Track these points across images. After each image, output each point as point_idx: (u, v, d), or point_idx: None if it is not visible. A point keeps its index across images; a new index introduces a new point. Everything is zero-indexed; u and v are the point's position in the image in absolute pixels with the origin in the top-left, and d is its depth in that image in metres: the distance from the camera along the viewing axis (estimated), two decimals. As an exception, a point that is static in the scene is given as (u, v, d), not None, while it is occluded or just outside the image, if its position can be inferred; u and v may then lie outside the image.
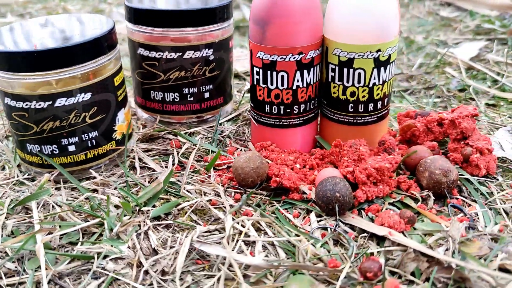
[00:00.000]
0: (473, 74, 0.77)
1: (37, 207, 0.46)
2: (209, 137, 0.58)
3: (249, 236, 0.42)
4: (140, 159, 0.54)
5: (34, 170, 0.51)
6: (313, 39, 0.48)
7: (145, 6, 0.53)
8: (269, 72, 0.49)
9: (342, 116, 0.51)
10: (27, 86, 0.45)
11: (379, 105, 0.50)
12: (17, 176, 0.52)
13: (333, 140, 0.51)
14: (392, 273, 0.38)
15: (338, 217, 0.43)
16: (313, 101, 0.52)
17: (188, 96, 0.57)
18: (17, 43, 0.48)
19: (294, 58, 0.48)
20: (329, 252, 0.40)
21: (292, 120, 0.51)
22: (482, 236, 0.42)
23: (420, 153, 0.49)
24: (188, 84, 0.56)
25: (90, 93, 0.48)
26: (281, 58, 0.48)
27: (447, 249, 0.39)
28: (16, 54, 0.44)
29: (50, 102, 0.46)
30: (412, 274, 0.38)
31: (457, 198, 0.46)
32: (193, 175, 0.51)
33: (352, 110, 0.50)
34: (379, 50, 0.47)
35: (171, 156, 0.53)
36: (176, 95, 0.57)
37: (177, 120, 0.59)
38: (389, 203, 0.46)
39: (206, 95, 0.58)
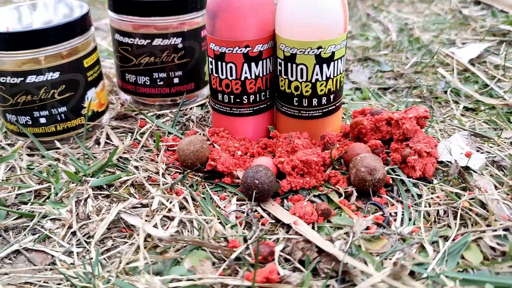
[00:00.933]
0: (465, 76, 0.75)
1: (6, 169, 0.53)
2: (177, 118, 0.62)
3: (171, 212, 0.46)
4: (108, 136, 0.59)
5: (15, 137, 0.58)
6: (260, 34, 0.50)
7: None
8: (219, 63, 0.52)
9: (289, 109, 0.53)
10: (1, 62, 0.52)
11: (323, 101, 0.52)
12: (0, 142, 0.59)
13: (284, 131, 0.54)
14: (286, 260, 0.40)
15: (253, 202, 0.45)
16: (263, 93, 0.54)
17: (158, 80, 0.61)
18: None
19: (241, 50, 0.50)
20: (236, 233, 0.43)
21: (242, 109, 0.54)
22: (392, 235, 0.43)
23: (356, 150, 0.50)
24: (157, 69, 0.60)
25: (59, 72, 0.53)
26: (229, 50, 0.51)
27: (346, 243, 0.41)
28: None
29: (22, 79, 0.52)
30: (303, 262, 0.40)
31: (381, 197, 0.47)
32: (146, 154, 0.55)
33: (297, 104, 0.52)
34: (320, 47, 0.48)
35: (129, 134, 0.58)
36: (147, 79, 0.61)
37: (151, 102, 0.64)
38: (314, 195, 0.48)
39: (176, 80, 0.62)
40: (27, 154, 0.56)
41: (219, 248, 0.40)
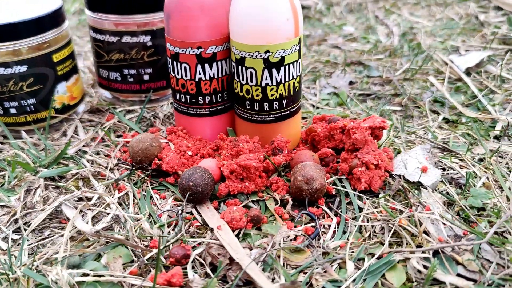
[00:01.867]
0: (456, 86, 0.71)
1: (-27, 155, 0.56)
2: (141, 115, 0.63)
3: (108, 207, 0.47)
4: (77, 128, 0.61)
5: (-9, 125, 0.61)
6: (213, 35, 0.50)
7: (92, -8, 0.59)
8: (175, 63, 0.52)
9: (243, 112, 0.53)
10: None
11: (275, 106, 0.51)
12: (-22, 128, 0.62)
13: (241, 134, 0.54)
14: (201, 264, 0.40)
15: (187, 203, 0.46)
16: (220, 94, 0.54)
17: (128, 76, 0.62)
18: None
19: (193, 51, 0.51)
20: (162, 232, 0.43)
21: (198, 110, 0.54)
22: (316, 248, 0.42)
23: (301, 157, 0.49)
24: (127, 66, 0.61)
25: (26, 66, 0.56)
26: (182, 51, 0.51)
27: (264, 253, 0.40)
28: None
29: (-9, 70, 0.55)
30: (215, 268, 0.39)
31: (319, 207, 0.46)
32: (103, 148, 0.56)
33: (249, 107, 0.52)
34: (268, 51, 0.48)
35: (92, 128, 0.59)
36: (118, 75, 0.62)
37: (124, 97, 0.65)
38: (252, 201, 0.47)
39: (146, 77, 0.63)
40: (0, 142, 0.59)
41: (137, 247, 0.41)
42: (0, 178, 0.53)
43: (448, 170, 0.52)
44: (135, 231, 0.43)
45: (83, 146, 0.57)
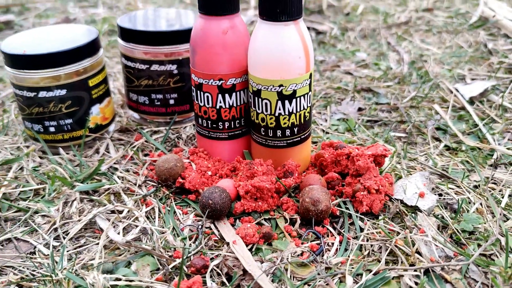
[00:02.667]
0: (459, 114, 0.76)
1: (17, 168, 0.63)
2: (166, 136, 0.69)
3: (137, 220, 0.53)
4: (108, 146, 0.68)
5: (31, 141, 0.68)
6: (233, 69, 0.56)
7: (126, 26, 0.66)
8: (198, 92, 0.58)
9: (258, 137, 0.58)
10: (19, 79, 0.61)
11: (287, 133, 0.56)
12: (20, 143, 0.69)
13: (256, 156, 0.60)
14: (218, 274, 0.46)
15: (207, 219, 0.51)
16: (238, 121, 0.60)
17: (156, 100, 0.69)
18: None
19: (215, 83, 0.57)
20: (184, 244, 0.49)
21: (218, 134, 0.60)
22: (319, 263, 0.47)
23: (310, 181, 0.54)
24: (155, 91, 0.68)
25: (66, 90, 0.62)
26: (205, 82, 0.57)
27: (273, 266, 0.45)
28: (10, 56, 0.60)
29: (35, 93, 0.62)
30: (230, 278, 0.45)
31: (323, 227, 0.51)
32: (133, 166, 0.63)
33: (263, 133, 0.57)
34: (281, 85, 0.53)
35: (122, 147, 0.66)
36: (146, 99, 0.69)
37: (151, 119, 0.72)
38: (265, 219, 0.53)
39: (171, 101, 0.69)
40: (40, 157, 0.66)
41: (163, 257, 0.47)
42: (40, 190, 0.59)
43: (444, 196, 0.56)
44: (161, 242, 0.49)
45: (114, 163, 0.63)
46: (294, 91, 0.54)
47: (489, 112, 0.76)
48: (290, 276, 0.45)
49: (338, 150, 0.58)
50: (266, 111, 0.55)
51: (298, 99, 0.55)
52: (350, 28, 1.20)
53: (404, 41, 1.12)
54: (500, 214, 0.52)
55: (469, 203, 0.55)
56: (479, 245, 0.49)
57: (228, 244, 0.49)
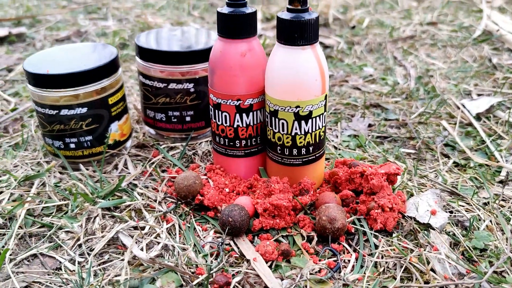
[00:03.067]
0: (467, 131, 0.78)
1: (38, 184, 0.65)
2: (183, 152, 0.71)
3: (159, 237, 0.55)
4: (125, 162, 0.70)
5: (52, 156, 0.70)
6: (251, 90, 0.58)
7: (144, 45, 0.68)
8: (216, 111, 0.60)
9: (274, 155, 0.60)
10: (41, 97, 0.63)
11: (303, 152, 0.58)
12: (40, 159, 0.71)
13: (271, 174, 0.61)
14: (240, 290, 0.48)
15: (226, 236, 0.53)
16: (254, 139, 0.62)
17: (172, 117, 0.71)
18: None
19: (233, 103, 0.59)
20: (206, 261, 0.51)
21: (235, 151, 0.62)
22: (337, 280, 0.49)
23: (325, 198, 0.56)
24: (172, 109, 0.70)
25: (87, 108, 0.64)
26: (223, 102, 0.59)
27: (293, 283, 0.47)
28: (33, 75, 0.62)
29: (57, 111, 0.64)
30: (252, 294, 0.47)
31: (340, 244, 0.53)
32: (151, 182, 0.65)
33: (280, 151, 0.59)
34: (298, 107, 0.55)
35: (141, 164, 0.68)
36: (163, 116, 0.71)
37: (166, 134, 0.74)
38: (283, 236, 0.55)
39: (188, 118, 0.71)
40: (60, 172, 0.68)
41: (186, 273, 0.48)
42: (63, 206, 0.61)
43: (455, 213, 0.58)
44: (184, 259, 0.51)
45: (133, 179, 0.65)
46: (310, 112, 0.56)
47: (496, 128, 0.78)
48: (309, 293, 0.47)
49: (351, 168, 0.60)
50: (283, 130, 0.57)
51: (314, 119, 0.57)
52: (356, 42, 1.22)
53: (410, 55, 1.14)
54: (511, 232, 0.54)
55: (479, 220, 0.57)
56: (490, 262, 0.51)
57: (248, 261, 0.51)
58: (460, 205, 0.59)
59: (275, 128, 0.58)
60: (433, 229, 0.55)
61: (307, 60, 0.54)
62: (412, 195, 0.61)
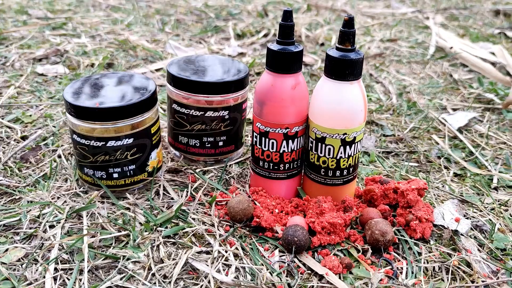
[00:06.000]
0: (454, 143, 0.90)
1: (87, 216, 0.65)
2: (218, 176, 0.75)
3: (227, 260, 0.59)
4: (164, 188, 0.72)
5: (87, 186, 0.70)
6: (297, 119, 0.64)
7: (180, 75, 0.71)
8: (263, 138, 0.65)
9: (316, 176, 0.66)
10: (88, 129, 0.64)
11: (345, 172, 0.65)
12: (75, 189, 0.71)
13: (310, 193, 0.68)
14: (320, 303, 0.53)
15: (293, 255, 0.58)
16: (296, 162, 0.67)
17: (206, 143, 0.74)
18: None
19: (281, 131, 0.64)
20: (281, 280, 0.56)
21: (279, 174, 0.67)
22: (399, 285, 0.56)
23: (370, 214, 0.64)
24: (207, 135, 0.73)
25: (133, 138, 0.66)
26: (272, 130, 0.64)
27: (365, 291, 0.54)
28: (81, 108, 0.63)
29: (104, 143, 0.65)
30: (333, 305, 0.53)
31: (390, 254, 0.61)
32: (199, 207, 0.68)
33: (323, 173, 0.66)
34: (345, 134, 0.62)
35: (180, 188, 0.71)
36: (197, 141, 0.74)
37: (197, 159, 0.77)
38: (338, 250, 0.61)
39: (220, 143, 0.75)
40: (100, 202, 0.68)
41: (270, 292, 0.53)
42: (121, 236, 0.62)
43: (471, 219, 0.68)
44: (264, 279, 0.55)
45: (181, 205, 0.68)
46: (354, 138, 0.63)
47: (478, 141, 0.91)
48: (380, 299, 0.54)
49: (384, 184, 0.68)
50: (329, 155, 0.64)
51: (356, 144, 0.64)
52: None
53: (382, 72, 1.25)
54: (519, 232, 0.65)
55: (491, 223, 0.68)
56: (512, 260, 0.61)
57: (317, 275, 0.57)
58: (474, 212, 0.70)
59: (321, 153, 0.64)
60: (462, 235, 0.64)
61: (355, 93, 0.61)
62: (434, 206, 0.70)
